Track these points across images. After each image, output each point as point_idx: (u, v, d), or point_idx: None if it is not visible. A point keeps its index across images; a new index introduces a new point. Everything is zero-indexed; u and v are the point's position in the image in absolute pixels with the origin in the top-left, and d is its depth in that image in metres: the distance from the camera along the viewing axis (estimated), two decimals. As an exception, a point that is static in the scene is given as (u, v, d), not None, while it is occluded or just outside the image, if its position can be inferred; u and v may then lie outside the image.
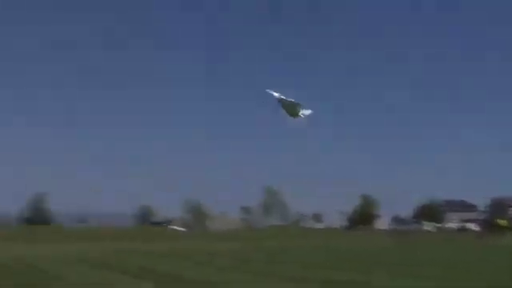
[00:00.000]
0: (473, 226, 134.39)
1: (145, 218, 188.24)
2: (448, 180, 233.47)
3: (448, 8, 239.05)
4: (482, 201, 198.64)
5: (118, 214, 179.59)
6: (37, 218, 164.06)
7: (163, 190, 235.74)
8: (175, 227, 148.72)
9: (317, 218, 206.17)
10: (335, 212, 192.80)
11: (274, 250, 52.39)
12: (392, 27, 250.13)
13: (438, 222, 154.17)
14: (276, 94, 30.74)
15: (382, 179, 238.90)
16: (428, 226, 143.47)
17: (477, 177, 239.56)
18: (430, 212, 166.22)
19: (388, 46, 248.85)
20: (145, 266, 33.85)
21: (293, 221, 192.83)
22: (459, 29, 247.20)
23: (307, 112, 30.94)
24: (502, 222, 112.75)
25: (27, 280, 27.48)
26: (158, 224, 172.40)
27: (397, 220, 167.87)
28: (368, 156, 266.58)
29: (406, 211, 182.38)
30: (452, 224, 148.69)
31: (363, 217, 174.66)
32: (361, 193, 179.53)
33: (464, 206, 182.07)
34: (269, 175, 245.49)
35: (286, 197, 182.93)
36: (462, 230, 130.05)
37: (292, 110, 28.00)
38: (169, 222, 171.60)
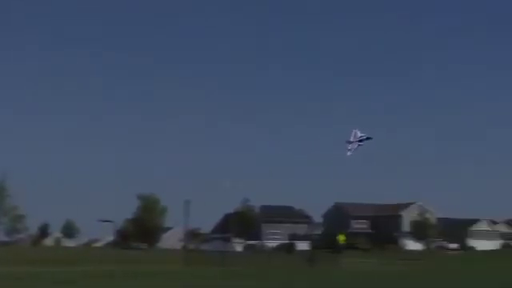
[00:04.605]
0: (303, 245, 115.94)
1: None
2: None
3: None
4: (316, 208, 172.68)
5: None
6: None
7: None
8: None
9: (69, 230, 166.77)
10: (97, 222, 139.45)
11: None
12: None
13: (253, 238, 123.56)
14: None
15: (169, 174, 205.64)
16: (239, 244, 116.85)
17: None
18: (242, 223, 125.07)
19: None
20: None
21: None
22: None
23: None
24: (341, 239, 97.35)
25: None
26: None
27: (194, 235, 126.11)
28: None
29: (209, 222, 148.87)
30: (273, 241, 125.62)
31: (143, 229, 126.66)
32: (138, 192, 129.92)
33: (292, 216, 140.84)
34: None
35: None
36: (288, 249, 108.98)
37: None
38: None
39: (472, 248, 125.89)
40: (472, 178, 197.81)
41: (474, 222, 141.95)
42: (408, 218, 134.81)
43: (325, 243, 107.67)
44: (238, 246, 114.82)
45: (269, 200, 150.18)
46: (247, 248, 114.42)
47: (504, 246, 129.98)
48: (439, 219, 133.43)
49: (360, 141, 53.98)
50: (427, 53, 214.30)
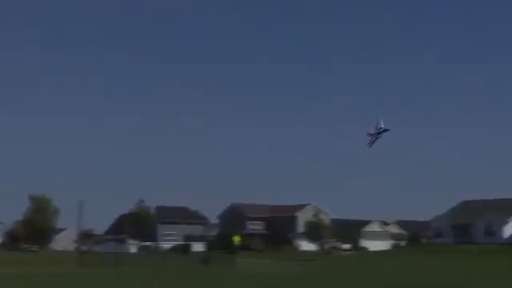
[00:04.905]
0: (199, 246, 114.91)
1: None
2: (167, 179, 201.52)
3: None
4: (212, 209, 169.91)
5: None
6: None
7: None
8: None
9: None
10: None
11: None
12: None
13: (148, 239, 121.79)
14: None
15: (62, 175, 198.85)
16: (133, 245, 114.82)
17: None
18: (137, 224, 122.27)
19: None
20: None
21: None
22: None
23: None
24: (236, 240, 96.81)
25: None
26: None
27: (88, 236, 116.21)
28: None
29: (103, 223, 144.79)
30: (168, 242, 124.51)
31: (34, 230, 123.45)
32: (29, 193, 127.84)
33: (187, 217, 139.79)
34: None
35: None
36: (183, 250, 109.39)
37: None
38: None
39: (364, 248, 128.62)
40: (365, 180, 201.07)
41: (367, 223, 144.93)
42: (303, 219, 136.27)
43: (220, 244, 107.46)
44: (133, 247, 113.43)
45: (165, 201, 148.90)
46: (142, 249, 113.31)
47: (394, 247, 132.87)
48: (333, 220, 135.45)
49: (378, 133, 52.37)
50: (427, 53, 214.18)
